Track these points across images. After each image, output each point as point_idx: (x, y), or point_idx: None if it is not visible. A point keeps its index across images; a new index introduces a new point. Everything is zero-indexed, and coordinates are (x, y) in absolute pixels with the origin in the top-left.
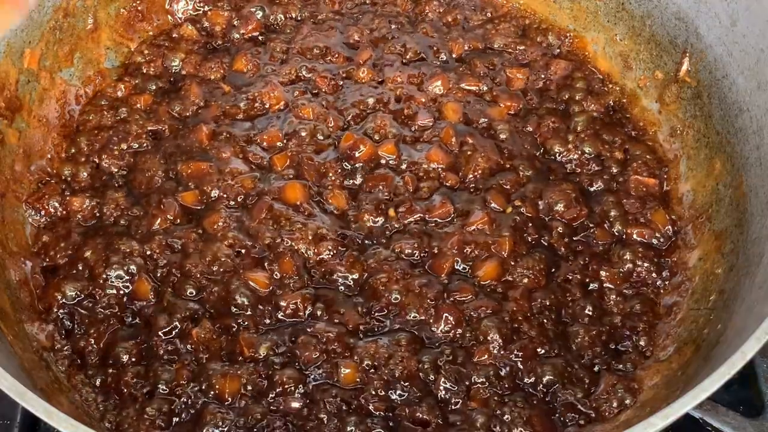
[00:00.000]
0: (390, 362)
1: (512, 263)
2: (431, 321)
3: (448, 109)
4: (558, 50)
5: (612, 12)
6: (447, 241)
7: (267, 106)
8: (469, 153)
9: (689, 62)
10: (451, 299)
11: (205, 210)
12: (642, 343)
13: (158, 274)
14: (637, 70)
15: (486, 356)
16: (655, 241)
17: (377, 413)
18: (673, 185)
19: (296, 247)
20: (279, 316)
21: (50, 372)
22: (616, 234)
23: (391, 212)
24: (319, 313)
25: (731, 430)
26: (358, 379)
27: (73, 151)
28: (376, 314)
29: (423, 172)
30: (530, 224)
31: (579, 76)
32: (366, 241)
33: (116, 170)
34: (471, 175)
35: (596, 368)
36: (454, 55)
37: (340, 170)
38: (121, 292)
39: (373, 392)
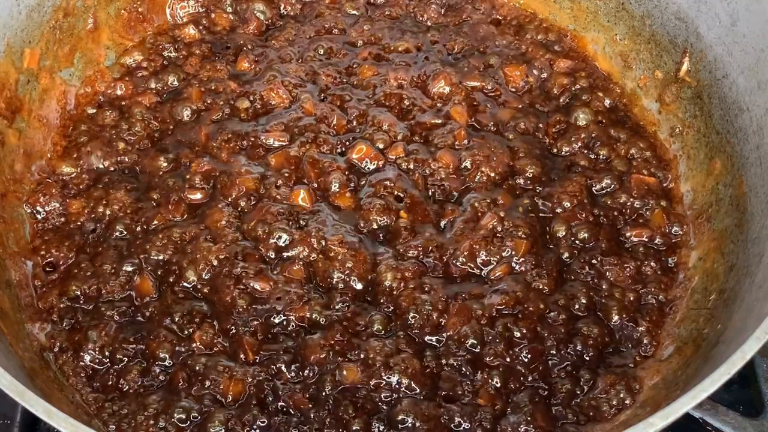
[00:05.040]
0: (396, 361)
1: (524, 265)
2: (441, 320)
3: (455, 110)
4: (558, 49)
5: (612, 12)
6: (460, 244)
7: (270, 105)
8: (479, 154)
9: (689, 62)
10: (462, 300)
11: (207, 209)
12: (645, 341)
13: (160, 273)
14: (637, 70)
15: (493, 357)
16: (656, 240)
17: (383, 412)
18: (673, 185)
19: (298, 248)
20: (283, 318)
21: (50, 372)
22: (619, 233)
23: (402, 214)
24: (322, 312)
25: (731, 430)
26: (362, 378)
27: (73, 150)
28: (384, 314)
29: (433, 173)
30: (539, 224)
31: (582, 74)
32: (374, 242)
33: (116, 169)
34: (482, 177)
35: (597, 367)
36: (455, 53)
37: (346, 171)
38: (123, 290)
39: (378, 391)
